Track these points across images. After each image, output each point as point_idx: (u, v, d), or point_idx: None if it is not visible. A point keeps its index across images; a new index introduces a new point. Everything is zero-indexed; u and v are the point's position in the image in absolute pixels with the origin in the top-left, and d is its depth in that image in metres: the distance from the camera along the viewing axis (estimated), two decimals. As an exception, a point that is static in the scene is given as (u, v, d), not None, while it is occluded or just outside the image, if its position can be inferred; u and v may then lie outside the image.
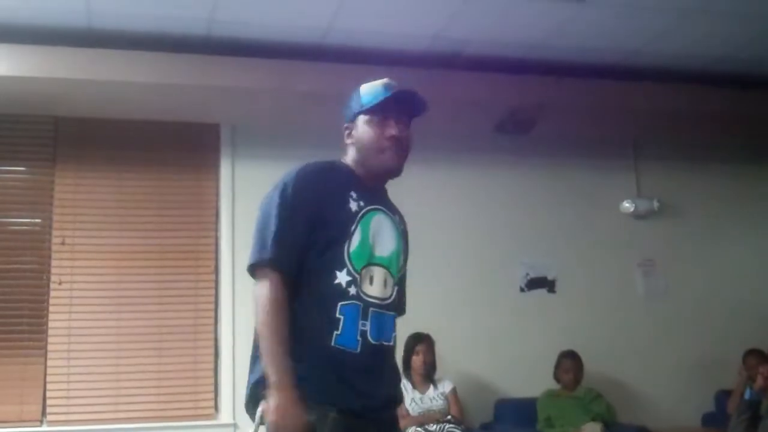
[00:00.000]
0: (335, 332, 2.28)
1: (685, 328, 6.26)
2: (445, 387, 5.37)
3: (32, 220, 5.54)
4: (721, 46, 5.44)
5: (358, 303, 2.31)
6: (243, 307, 5.44)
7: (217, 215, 5.69)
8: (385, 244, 2.42)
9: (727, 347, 5.96)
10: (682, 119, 5.93)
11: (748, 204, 6.69)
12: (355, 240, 2.35)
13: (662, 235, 6.42)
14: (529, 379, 5.72)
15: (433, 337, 5.40)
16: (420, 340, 5.35)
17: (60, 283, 5.37)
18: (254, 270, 2.34)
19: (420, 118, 2.52)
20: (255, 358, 2.34)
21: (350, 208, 2.38)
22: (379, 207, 2.45)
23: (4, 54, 4.86)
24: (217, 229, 5.68)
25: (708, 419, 5.98)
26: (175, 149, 5.73)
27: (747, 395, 5.21)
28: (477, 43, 5.31)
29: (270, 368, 2.20)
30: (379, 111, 2.46)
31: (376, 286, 2.36)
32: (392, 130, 2.45)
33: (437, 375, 5.42)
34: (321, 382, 2.24)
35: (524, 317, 6.03)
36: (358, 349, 2.29)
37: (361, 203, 2.40)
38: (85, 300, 5.42)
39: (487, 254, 6.04)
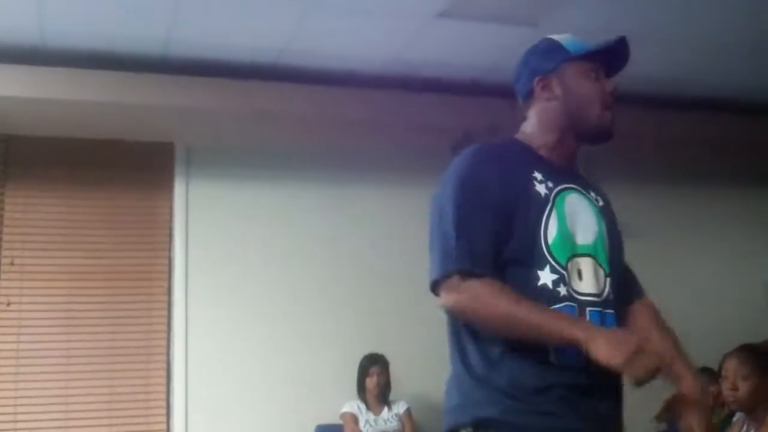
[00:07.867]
0: (551, 347, 1.86)
1: None
2: (400, 408, 5.34)
3: (-20, 241, 5.43)
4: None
5: (572, 304, 1.89)
6: (196, 329, 5.43)
7: (170, 236, 5.63)
8: (587, 229, 1.99)
9: None
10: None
11: None
12: (552, 229, 1.92)
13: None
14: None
15: (388, 358, 5.37)
16: (374, 362, 5.33)
17: (8, 305, 5.26)
18: (437, 286, 1.91)
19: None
20: (450, 379, 2.00)
21: (538, 192, 1.95)
22: (572, 185, 2.03)
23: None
24: (170, 250, 5.61)
25: None
26: (128, 169, 5.65)
27: None
28: (433, 65, 5.34)
29: (555, 334, 1.79)
30: (596, 60, 2.07)
31: (587, 281, 1.93)
32: (610, 86, 2.07)
33: (392, 396, 5.40)
34: (532, 415, 1.84)
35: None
36: (584, 362, 1.79)
37: (549, 184, 1.98)
38: (34, 322, 5.31)
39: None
